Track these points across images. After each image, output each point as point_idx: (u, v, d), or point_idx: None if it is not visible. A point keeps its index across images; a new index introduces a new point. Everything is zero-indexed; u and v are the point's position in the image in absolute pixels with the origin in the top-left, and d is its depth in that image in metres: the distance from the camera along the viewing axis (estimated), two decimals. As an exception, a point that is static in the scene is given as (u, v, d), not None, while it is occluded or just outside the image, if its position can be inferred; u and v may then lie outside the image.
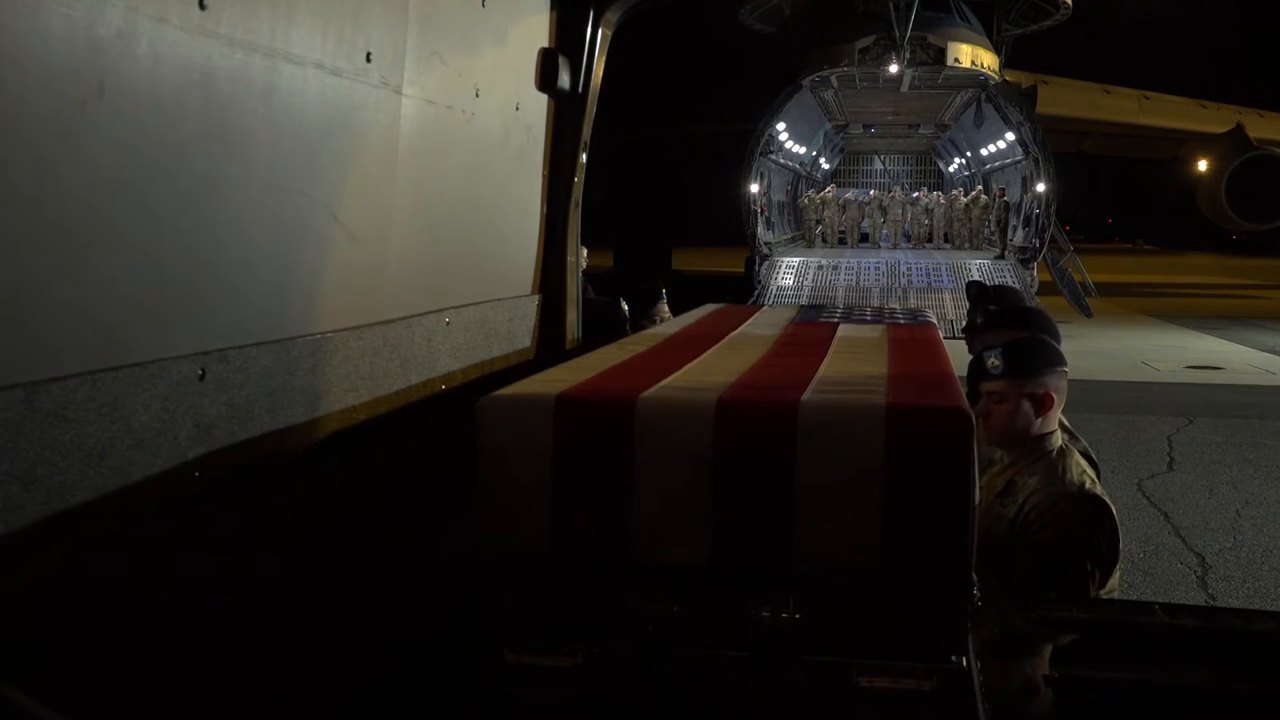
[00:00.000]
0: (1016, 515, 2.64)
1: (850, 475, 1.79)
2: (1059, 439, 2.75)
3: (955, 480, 1.77)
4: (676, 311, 4.81)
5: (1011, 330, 3.21)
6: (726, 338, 2.89)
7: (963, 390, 2.07)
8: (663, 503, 1.84)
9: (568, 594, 1.86)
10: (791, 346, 2.74)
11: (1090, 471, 2.75)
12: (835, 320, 3.37)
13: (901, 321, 3.43)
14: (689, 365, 2.34)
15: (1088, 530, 2.58)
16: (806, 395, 1.92)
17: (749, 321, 3.33)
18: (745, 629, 1.79)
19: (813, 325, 3.26)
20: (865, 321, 3.40)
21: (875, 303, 17.96)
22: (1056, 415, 2.77)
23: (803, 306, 4.22)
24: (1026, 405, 2.71)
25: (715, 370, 2.28)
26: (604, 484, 1.86)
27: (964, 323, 4.27)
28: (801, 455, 1.80)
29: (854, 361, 2.42)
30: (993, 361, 2.72)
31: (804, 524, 1.80)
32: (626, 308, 4.18)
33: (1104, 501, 2.64)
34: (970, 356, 3.42)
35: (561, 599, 1.86)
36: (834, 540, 1.79)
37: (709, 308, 3.72)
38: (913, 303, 17.87)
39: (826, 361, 2.42)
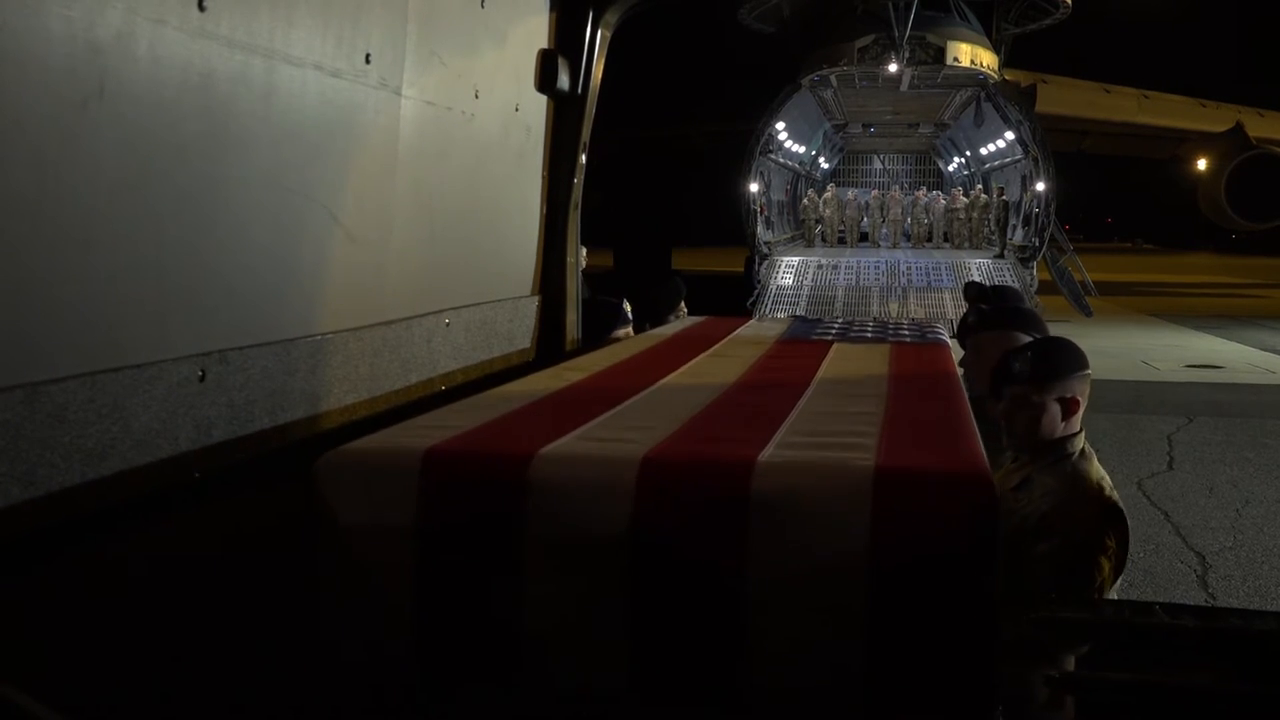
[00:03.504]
0: (1032, 514, 2.63)
1: (824, 568, 1.33)
2: (1082, 441, 2.73)
3: (972, 575, 1.32)
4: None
5: (1002, 330, 3.23)
6: (689, 363, 2.40)
7: (981, 440, 1.61)
8: (565, 602, 1.39)
9: None
10: (766, 376, 2.25)
11: (1108, 477, 2.73)
12: (829, 339, 2.93)
13: (908, 340, 2.99)
14: (624, 405, 1.85)
15: (1106, 536, 2.58)
16: (767, 452, 1.45)
17: (725, 340, 2.87)
18: None
19: (801, 345, 2.81)
20: (865, 339, 2.96)
21: (875, 302, 17.96)
22: (1080, 417, 2.75)
23: (795, 319, 3.74)
24: (1054, 409, 2.68)
25: (655, 411, 1.78)
26: (487, 574, 1.41)
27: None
28: (756, 538, 1.34)
29: (841, 398, 1.94)
30: (1019, 365, 2.68)
31: (759, 635, 1.34)
32: (629, 308, 4.12)
33: (1120, 508, 2.64)
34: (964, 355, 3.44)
35: None
36: (801, 659, 1.34)
37: (688, 320, 3.43)
38: (912, 302, 17.88)
39: (805, 399, 1.92)
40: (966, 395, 2.03)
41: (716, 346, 2.73)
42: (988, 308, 3.65)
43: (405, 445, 1.50)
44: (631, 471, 1.40)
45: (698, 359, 2.48)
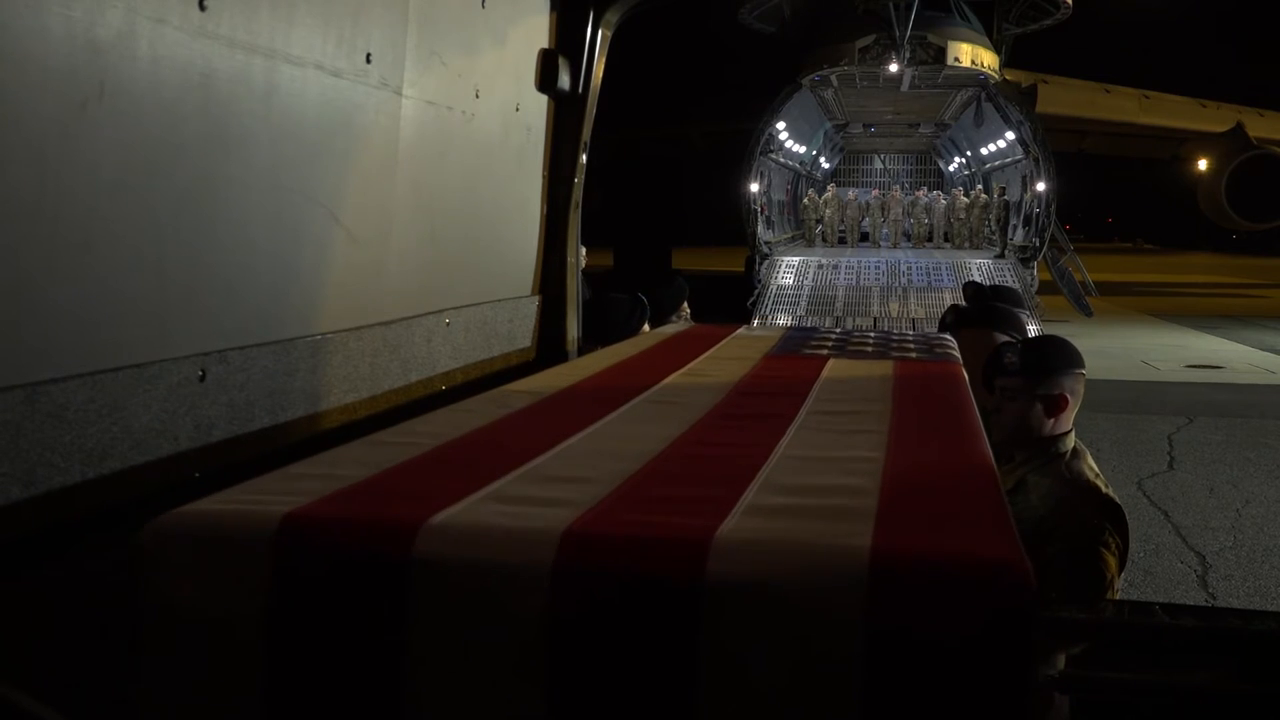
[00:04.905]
0: (1031, 518, 2.63)
1: (802, 681, 1.02)
2: (1073, 440, 2.73)
3: (999, 692, 1.02)
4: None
5: (978, 328, 3.24)
6: (655, 386, 2.05)
7: (1009, 505, 1.31)
8: (460, 716, 1.09)
9: None
10: (744, 404, 1.90)
11: (1101, 474, 2.74)
12: (824, 353, 2.58)
13: (914, 355, 2.66)
14: (558, 448, 1.49)
15: (1108, 533, 2.58)
16: (730, 523, 1.13)
17: (705, 355, 2.53)
18: None
19: (791, 361, 2.48)
20: (865, 354, 2.62)
21: (876, 302, 17.96)
22: (1071, 416, 2.75)
23: (790, 329, 3.40)
24: (1039, 406, 2.68)
25: (597, 457, 1.44)
26: (356, 678, 1.10)
27: None
28: (711, 641, 1.03)
29: (833, 436, 1.59)
30: (1010, 358, 2.70)
31: None
32: (647, 305, 4.09)
33: (1117, 503, 2.64)
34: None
35: None
36: None
37: (671, 328, 3.27)
38: (913, 302, 17.88)
39: (788, 438, 1.57)
40: (985, 432, 1.75)
41: (693, 363, 2.36)
42: (966, 305, 3.66)
43: (257, 509, 1.17)
44: (548, 550, 1.08)
45: (666, 380, 2.11)
